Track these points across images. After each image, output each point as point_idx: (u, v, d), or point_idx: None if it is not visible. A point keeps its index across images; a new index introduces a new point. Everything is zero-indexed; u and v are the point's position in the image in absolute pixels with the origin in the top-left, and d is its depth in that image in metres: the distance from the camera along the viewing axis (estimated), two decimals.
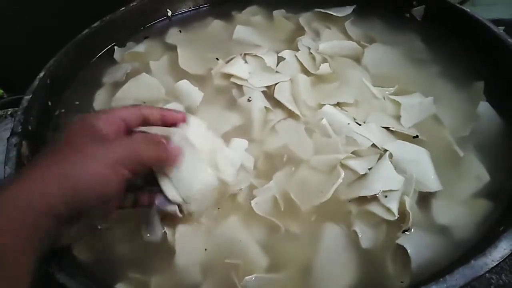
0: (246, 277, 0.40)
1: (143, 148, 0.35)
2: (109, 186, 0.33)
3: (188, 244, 0.44)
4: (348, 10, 0.72)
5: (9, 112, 0.95)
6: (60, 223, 0.32)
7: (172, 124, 0.41)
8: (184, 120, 0.41)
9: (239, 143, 0.48)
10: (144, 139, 0.37)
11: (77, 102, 0.63)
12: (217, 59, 0.64)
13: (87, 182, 0.32)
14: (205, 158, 0.41)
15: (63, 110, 0.62)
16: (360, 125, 0.52)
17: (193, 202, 0.40)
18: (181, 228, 0.44)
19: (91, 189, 0.32)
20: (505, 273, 0.60)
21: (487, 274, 0.59)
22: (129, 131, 0.38)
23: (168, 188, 0.39)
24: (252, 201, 0.45)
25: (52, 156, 0.33)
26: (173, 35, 0.73)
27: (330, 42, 0.65)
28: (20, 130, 0.52)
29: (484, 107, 0.54)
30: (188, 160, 0.39)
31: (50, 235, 0.32)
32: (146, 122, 0.39)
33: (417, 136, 0.51)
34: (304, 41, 0.65)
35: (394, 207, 0.44)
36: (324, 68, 0.60)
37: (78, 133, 0.34)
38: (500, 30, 0.59)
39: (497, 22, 0.63)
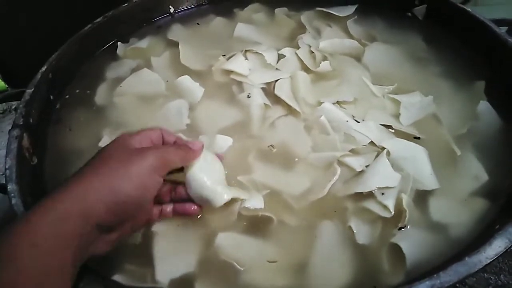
0: None
1: (171, 153, 0.41)
2: (146, 192, 0.38)
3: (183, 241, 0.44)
4: (350, 10, 0.72)
5: (13, 107, 0.97)
6: (100, 232, 0.35)
7: None
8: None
9: (224, 140, 0.51)
10: (171, 146, 0.43)
11: (78, 96, 0.64)
12: (224, 55, 0.64)
13: (128, 191, 0.36)
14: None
15: (64, 104, 0.62)
16: (358, 122, 0.52)
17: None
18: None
19: (131, 196, 0.37)
20: (503, 273, 0.60)
21: (485, 275, 0.59)
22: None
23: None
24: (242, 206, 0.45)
25: (98, 168, 0.37)
26: (175, 32, 0.73)
27: (331, 40, 0.65)
28: (21, 123, 0.52)
29: (484, 107, 0.54)
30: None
31: (89, 245, 0.35)
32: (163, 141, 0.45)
33: (418, 138, 0.51)
34: (305, 39, 0.66)
35: (390, 204, 0.44)
36: (324, 66, 0.60)
37: (120, 149, 0.39)
38: (502, 30, 0.59)
39: (500, 22, 0.63)
